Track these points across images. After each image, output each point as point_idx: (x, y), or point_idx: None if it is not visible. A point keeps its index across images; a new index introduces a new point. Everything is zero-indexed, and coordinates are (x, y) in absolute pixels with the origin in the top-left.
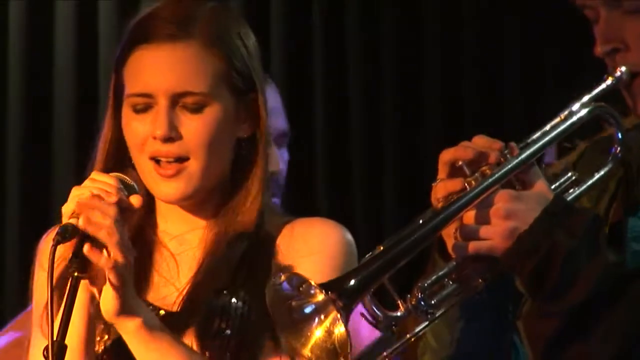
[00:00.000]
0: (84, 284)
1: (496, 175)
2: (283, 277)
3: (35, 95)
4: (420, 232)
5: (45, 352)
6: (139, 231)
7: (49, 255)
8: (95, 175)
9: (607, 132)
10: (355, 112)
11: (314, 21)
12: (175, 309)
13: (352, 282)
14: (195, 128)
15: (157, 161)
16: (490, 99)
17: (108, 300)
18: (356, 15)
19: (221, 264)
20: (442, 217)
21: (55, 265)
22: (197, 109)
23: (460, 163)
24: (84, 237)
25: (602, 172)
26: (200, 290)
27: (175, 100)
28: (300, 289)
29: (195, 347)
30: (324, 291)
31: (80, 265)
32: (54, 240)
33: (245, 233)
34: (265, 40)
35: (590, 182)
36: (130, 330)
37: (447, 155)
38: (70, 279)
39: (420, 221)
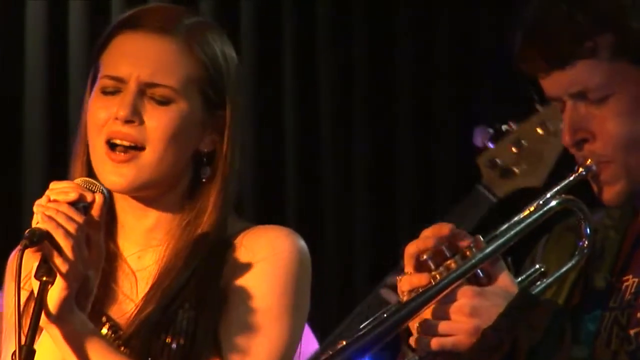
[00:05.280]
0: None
1: (460, 270)
2: None
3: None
4: (383, 326)
5: (13, 357)
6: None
7: (17, 260)
8: (53, 184)
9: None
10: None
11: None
12: (131, 324)
13: None
14: (157, 117)
15: (111, 146)
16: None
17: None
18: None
19: (174, 279)
20: (405, 312)
21: (22, 271)
22: (163, 102)
23: (424, 257)
24: (48, 238)
25: (569, 265)
26: (151, 307)
27: (144, 89)
28: None
29: None
30: None
31: (49, 270)
32: (21, 244)
33: (201, 247)
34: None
35: (557, 274)
36: (57, 339)
37: (411, 249)
38: (39, 284)
39: (385, 315)
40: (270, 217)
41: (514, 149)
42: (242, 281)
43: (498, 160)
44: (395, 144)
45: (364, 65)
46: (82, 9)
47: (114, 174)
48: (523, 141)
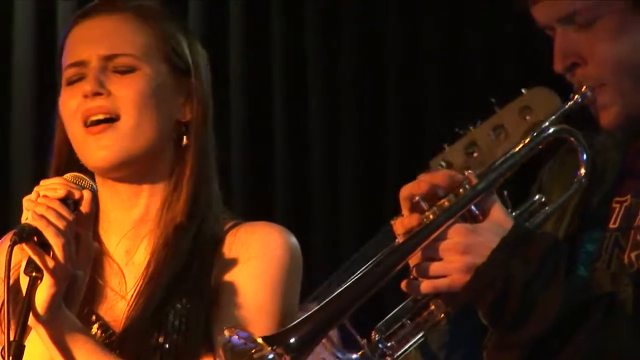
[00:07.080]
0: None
1: (453, 208)
2: (227, 333)
3: None
4: (376, 271)
5: (2, 353)
6: None
7: (5, 256)
8: (43, 181)
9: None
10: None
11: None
12: (122, 322)
13: (303, 332)
14: (124, 86)
15: (87, 125)
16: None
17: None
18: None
19: (163, 275)
20: (397, 255)
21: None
22: (127, 70)
23: (417, 199)
24: (38, 234)
25: (568, 193)
26: (142, 305)
27: (105, 64)
28: (258, 341)
29: None
30: (270, 347)
31: (38, 266)
32: (11, 240)
33: (186, 236)
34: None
35: (556, 204)
36: (45, 339)
37: (404, 191)
38: (28, 279)
39: (377, 259)
40: (259, 214)
41: (467, 152)
42: (234, 277)
43: (451, 162)
44: (383, 140)
45: (353, 61)
46: (70, 10)
47: (96, 149)
48: (477, 145)
